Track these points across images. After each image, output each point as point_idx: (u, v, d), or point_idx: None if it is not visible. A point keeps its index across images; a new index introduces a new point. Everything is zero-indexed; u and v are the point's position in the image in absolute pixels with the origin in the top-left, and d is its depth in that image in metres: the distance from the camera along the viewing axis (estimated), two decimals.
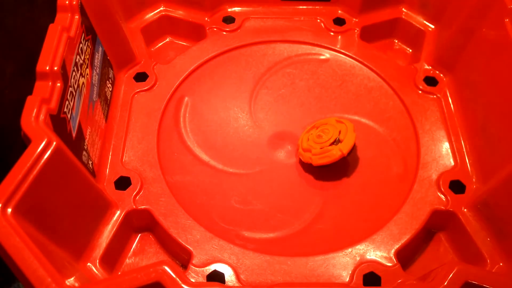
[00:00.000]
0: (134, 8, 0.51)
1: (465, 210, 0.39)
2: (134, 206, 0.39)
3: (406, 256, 0.38)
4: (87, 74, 0.40)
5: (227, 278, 0.36)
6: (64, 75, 0.36)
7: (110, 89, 0.45)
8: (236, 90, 0.48)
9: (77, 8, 0.39)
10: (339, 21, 0.52)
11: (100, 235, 0.37)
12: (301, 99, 0.47)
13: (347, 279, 0.36)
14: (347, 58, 0.49)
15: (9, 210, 0.28)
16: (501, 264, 0.37)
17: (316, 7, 0.53)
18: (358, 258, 0.37)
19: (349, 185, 0.42)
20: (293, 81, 0.48)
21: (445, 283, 0.28)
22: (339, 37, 0.51)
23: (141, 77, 0.47)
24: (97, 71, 0.42)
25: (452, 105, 0.46)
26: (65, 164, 0.33)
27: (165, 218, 0.38)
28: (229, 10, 0.53)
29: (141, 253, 0.39)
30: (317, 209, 0.40)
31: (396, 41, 0.53)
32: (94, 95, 0.41)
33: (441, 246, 0.40)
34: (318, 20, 0.52)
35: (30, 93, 0.34)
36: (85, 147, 0.38)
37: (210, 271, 0.36)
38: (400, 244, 0.37)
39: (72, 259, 0.34)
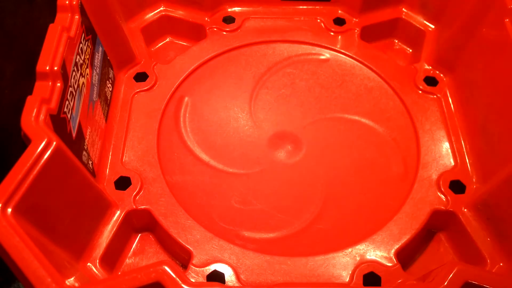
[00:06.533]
0: (134, 8, 0.50)
1: (465, 210, 0.39)
2: (134, 206, 0.39)
3: (406, 256, 0.38)
4: (87, 74, 0.40)
5: (227, 278, 0.36)
6: (64, 75, 0.36)
7: (110, 89, 0.45)
8: (236, 90, 0.48)
9: (77, 8, 0.39)
10: (339, 21, 0.52)
11: (100, 235, 0.37)
12: (301, 99, 0.47)
13: (347, 279, 0.36)
14: (347, 58, 0.49)
15: (9, 210, 0.28)
16: (501, 264, 0.37)
17: (316, 7, 0.53)
18: (358, 258, 0.37)
19: (349, 185, 0.42)
20: (293, 81, 0.48)
21: (445, 283, 0.28)
22: (339, 37, 0.51)
23: (141, 77, 0.47)
24: (97, 71, 0.42)
25: (452, 105, 0.46)
26: (65, 164, 0.33)
27: (165, 218, 0.38)
28: (229, 10, 0.53)
29: (141, 253, 0.39)
30: (317, 209, 0.40)
31: (396, 41, 0.53)
32: (94, 95, 0.41)
33: (441, 246, 0.40)
34: (318, 20, 0.52)
35: (30, 93, 0.34)
36: (85, 147, 0.38)
37: (210, 271, 0.36)
38: (400, 244, 0.37)
39: (72, 259, 0.34)
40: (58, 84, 0.35)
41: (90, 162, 0.39)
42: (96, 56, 0.43)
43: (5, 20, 0.40)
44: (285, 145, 0.44)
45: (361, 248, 0.37)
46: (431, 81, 0.48)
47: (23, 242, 0.27)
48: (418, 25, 0.51)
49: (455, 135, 0.44)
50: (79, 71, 0.38)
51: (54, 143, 0.32)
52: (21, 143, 0.33)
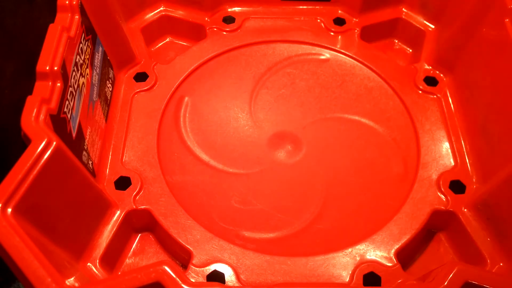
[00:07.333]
0: (134, 8, 0.50)
1: (465, 210, 0.39)
2: (134, 206, 0.39)
3: (406, 256, 0.38)
4: (87, 74, 0.40)
5: (227, 278, 0.36)
6: (64, 75, 0.36)
7: (110, 89, 0.45)
8: (236, 90, 0.48)
9: (77, 8, 0.39)
10: (339, 21, 0.52)
11: (100, 235, 0.37)
12: (301, 99, 0.47)
13: (347, 279, 0.36)
14: (347, 58, 0.49)
15: (9, 210, 0.28)
16: (501, 264, 0.37)
17: (316, 7, 0.53)
18: (358, 258, 0.37)
19: (349, 185, 0.42)
20: (293, 81, 0.48)
21: (445, 283, 0.28)
22: (339, 37, 0.51)
23: (141, 77, 0.47)
24: (97, 71, 0.42)
25: (452, 105, 0.46)
26: (65, 164, 0.33)
27: (165, 218, 0.38)
28: (229, 10, 0.53)
29: (141, 253, 0.39)
30: (317, 209, 0.40)
31: (396, 41, 0.53)
32: (94, 95, 0.41)
33: (441, 246, 0.40)
34: (318, 20, 0.52)
35: (30, 93, 0.34)
36: (85, 147, 0.38)
37: (210, 271, 0.36)
38: (400, 244, 0.37)
39: (72, 259, 0.34)
40: (58, 84, 0.35)
41: (90, 162, 0.39)
42: (96, 56, 0.43)
43: (5, 20, 0.40)
44: (285, 145, 0.44)
45: (361, 248, 0.37)
46: (431, 81, 0.48)
47: (23, 242, 0.27)
48: (418, 25, 0.51)
49: (455, 135, 0.44)
50: (79, 71, 0.38)
51: (54, 143, 0.32)
52: (21, 143, 0.33)
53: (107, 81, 0.45)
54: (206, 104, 0.47)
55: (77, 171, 0.34)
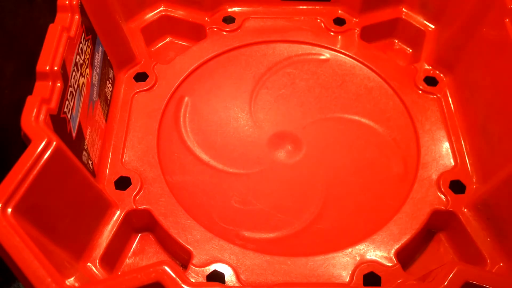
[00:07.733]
0: (134, 8, 0.51)
1: (465, 210, 0.39)
2: (134, 206, 0.39)
3: (406, 256, 0.38)
4: (87, 74, 0.40)
5: (227, 278, 0.36)
6: (64, 75, 0.36)
7: (110, 89, 0.45)
8: (236, 90, 0.48)
9: (77, 8, 0.39)
10: (339, 21, 0.52)
11: (100, 235, 0.37)
12: (301, 99, 0.47)
13: (347, 279, 0.36)
14: (347, 58, 0.49)
15: (9, 210, 0.28)
16: (501, 264, 0.37)
17: (316, 7, 0.53)
18: (358, 258, 0.37)
19: (349, 185, 0.42)
20: (293, 81, 0.48)
21: (445, 283, 0.28)
22: (339, 37, 0.51)
23: (141, 77, 0.47)
24: (97, 71, 0.42)
25: (452, 105, 0.46)
26: (65, 164, 0.33)
27: (165, 218, 0.38)
28: (229, 10, 0.53)
29: (141, 253, 0.39)
30: (317, 209, 0.40)
31: (396, 41, 0.53)
32: (94, 95, 0.41)
33: (441, 246, 0.40)
34: (318, 20, 0.52)
35: (30, 93, 0.34)
36: (85, 147, 0.38)
37: (210, 271, 0.36)
38: (400, 244, 0.37)
39: (72, 259, 0.34)
40: (58, 84, 0.35)
41: (90, 162, 0.39)
42: (96, 56, 0.43)
43: (5, 20, 0.40)
44: (285, 145, 0.44)
45: (361, 248, 0.37)
46: (431, 81, 0.48)
47: (23, 242, 0.27)
48: (418, 25, 0.51)
49: (455, 135, 0.44)
50: (79, 71, 0.38)
51: (54, 143, 0.32)
52: (21, 143, 0.33)
53: (107, 81, 0.45)
54: (206, 104, 0.47)
55: (77, 171, 0.34)
